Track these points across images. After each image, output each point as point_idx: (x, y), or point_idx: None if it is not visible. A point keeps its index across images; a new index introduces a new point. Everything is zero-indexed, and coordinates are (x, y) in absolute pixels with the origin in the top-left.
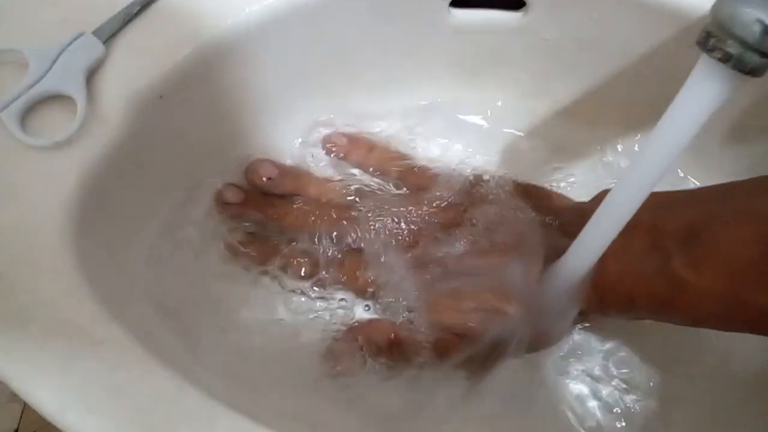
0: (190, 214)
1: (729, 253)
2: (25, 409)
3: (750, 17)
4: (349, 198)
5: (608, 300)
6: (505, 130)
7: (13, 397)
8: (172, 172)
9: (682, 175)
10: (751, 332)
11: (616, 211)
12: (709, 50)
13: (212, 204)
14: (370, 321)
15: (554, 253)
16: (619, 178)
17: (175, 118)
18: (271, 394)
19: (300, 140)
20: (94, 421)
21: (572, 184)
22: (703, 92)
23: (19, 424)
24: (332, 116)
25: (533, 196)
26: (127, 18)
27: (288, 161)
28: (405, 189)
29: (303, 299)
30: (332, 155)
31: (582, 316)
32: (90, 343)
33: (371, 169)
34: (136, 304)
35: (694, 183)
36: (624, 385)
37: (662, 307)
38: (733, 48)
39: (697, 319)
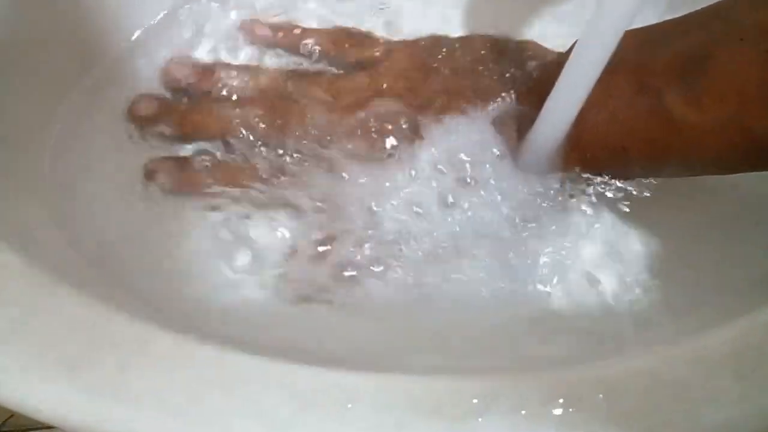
0: (97, 127)
1: (734, 78)
2: None
3: None
4: (287, 83)
5: (594, 157)
6: None
7: None
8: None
9: None
10: (752, 169)
11: (591, 51)
12: None
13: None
14: None
15: (530, 114)
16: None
17: None
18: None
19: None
20: None
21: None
22: None
23: None
24: None
25: (507, 50)
26: None
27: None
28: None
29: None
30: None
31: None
32: None
33: (306, 51)
34: (38, 230)
35: None
36: None
37: (659, 153)
38: None
39: (695, 163)
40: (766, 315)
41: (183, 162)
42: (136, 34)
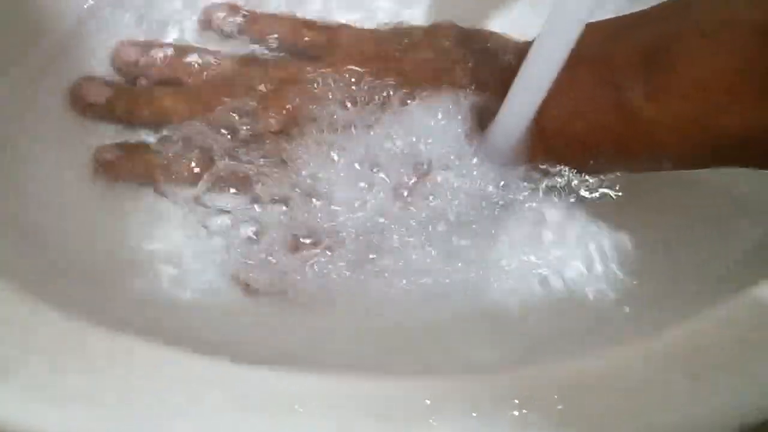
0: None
1: (695, 73)
2: None
3: None
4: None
5: (558, 149)
6: None
7: None
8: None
9: None
10: (717, 165)
11: (552, 41)
12: None
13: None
14: None
15: (494, 105)
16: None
17: None
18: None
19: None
20: None
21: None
22: None
23: None
24: None
25: (470, 40)
26: None
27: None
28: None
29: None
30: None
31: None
32: None
33: (269, 40)
34: None
35: None
36: None
37: (622, 148)
38: None
39: (660, 159)
40: (719, 312)
41: (134, 149)
42: (88, 4)
